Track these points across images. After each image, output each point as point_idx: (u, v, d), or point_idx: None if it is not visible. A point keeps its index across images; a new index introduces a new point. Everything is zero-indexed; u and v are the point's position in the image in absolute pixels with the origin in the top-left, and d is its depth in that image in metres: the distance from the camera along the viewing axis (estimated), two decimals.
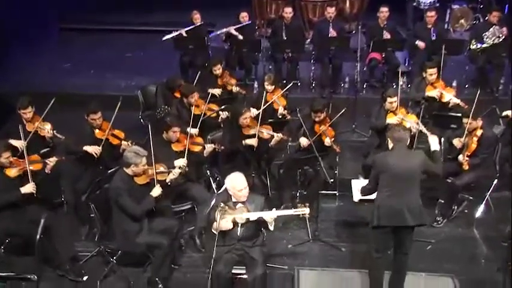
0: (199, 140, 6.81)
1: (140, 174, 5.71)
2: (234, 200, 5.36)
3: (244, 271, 5.40)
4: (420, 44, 8.98)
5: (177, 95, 7.70)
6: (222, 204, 5.18)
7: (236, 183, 5.32)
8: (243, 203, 5.38)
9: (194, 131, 6.95)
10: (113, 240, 5.80)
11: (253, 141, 6.74)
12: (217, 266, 5.19)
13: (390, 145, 5.36)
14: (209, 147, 6.66)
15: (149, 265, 5.92)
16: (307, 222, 6.61)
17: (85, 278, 5.94)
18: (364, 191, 5.58)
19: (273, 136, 6.84)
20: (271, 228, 5.35)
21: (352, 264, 6.10)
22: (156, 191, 5.74)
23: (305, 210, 5.23)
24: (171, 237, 5.79)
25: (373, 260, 5.42)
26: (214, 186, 6.88)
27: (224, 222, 5.20)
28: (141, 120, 7.94)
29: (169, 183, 6.04)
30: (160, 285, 5.77)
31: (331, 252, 6.39)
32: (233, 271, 5.38)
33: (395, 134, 5.32)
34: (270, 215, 5.30)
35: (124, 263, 5.95)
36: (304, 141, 6.81)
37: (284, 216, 5.58)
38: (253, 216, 5.28)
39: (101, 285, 5.87)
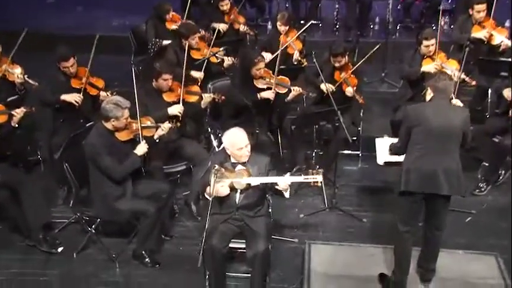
0: (196, 88, 6.52)
1: (122, 129, 5.44)
2: (233, 160, 5.08)
3: (243, 245, 5.15)
4: None
5: (169, 25, 7.49)
6: (217, 166, 4.87)
7: (235, 140, 5.02)
8: (243, 164, 5.08)
9: (198, 74, 6.82)
10: (91, 206, 5.59)
11: (270, 94, 6.42)
12: (211, 238, 4.94)
13: (429, 96, 5.06)
14: (207, 97, 6.37)
15: (135, 236, 5.75)
16: (323, 187, 6.32)
17: (60, 249, 5.76)
18: (393, 148, 5.29)
19: (290, 90, 6.54)
20: (287, 195, 5.10)
21: (375, 239, 5.88)
22: (141, 149, 5.47)
23: (317, 178, 4.90)
24: (159, 203, 5.59)
25: (399, 233, 5.09)
26: (215, 143, 6.70)
27: (219, 187, 4.92)
28: (134, 67, 7.68)
29: (157, 140, 5.76)
30: (147, 259, 5.61)
31: (351, 223, 6.19)
32: (230, 245, 5.13)
33: (439, 83, 4.97)
34: (274, 181, 5.01)
35: (105, 232, 5.80)
36: (325, 87, 6.47)
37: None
38: (255, 181, 5.00)
39: (77, 257, 5.71)
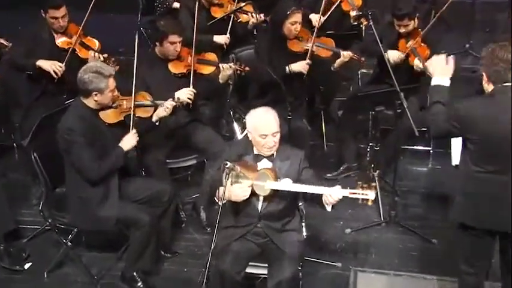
0: (211, 56, 6.19)
1: (108, 108, 5.20)
2: (256, 151, 4.83)
3: (265, 271, 4.87)
4: None
5: None
6: (229, 164, 4.48)
7: (260, 123, 4.74)
8: (269, 158, 4.79)
9: (222, 38, 6.64)
10: (65, 210, 5.37)
11: (301, 67, 6.15)
12: (222, 260, 4.67)
13: (488, 86, 4.46)
14: (226, 68, 6.02)
15: (125, 251, 5.52)
16: (379, 193, 5.98)
17: (27, 265, 5.56)
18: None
19: (336, 55, 6.22)
20: (329, 209, 4.78)
21: (447, 267, 5.39)
22: (129, 141, 5.23)
23: (368, 195, 4.53)
24: (157, 209, 5.40)
25: (461, 275, 4.76)
26: (238, 131, 6.67)
27: (237, 189, 4.66)
28: (141, 29, 7.38)
29: (156, 123, 5.51)
30: (139, 284, 5.32)
31: (414, 244, 5.85)
32: (247, 270, 4.86)
33: (499, 63, 4.33)
34: (308, 190, 4.68)
35: (86, 245, 5.67)
36: (394, 54, 6.19)
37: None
38: (282, 186, 4.70)
39: (49, 278, 5.46)
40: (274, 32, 6.34)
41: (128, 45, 6.77)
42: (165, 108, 5.50)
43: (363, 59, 6.42)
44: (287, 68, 6.19)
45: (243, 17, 6.93)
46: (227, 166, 4.47)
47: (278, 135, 4.79)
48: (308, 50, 6.21)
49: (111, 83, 5.11)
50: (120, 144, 5.20)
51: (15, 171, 6.41)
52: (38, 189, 6.08)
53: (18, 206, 5.97)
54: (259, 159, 4.81)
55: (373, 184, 4.69)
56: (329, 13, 6.72)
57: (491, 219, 4.48)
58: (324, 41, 6.37)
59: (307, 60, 6.19)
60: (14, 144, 6.62)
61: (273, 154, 4.83)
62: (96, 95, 5.06)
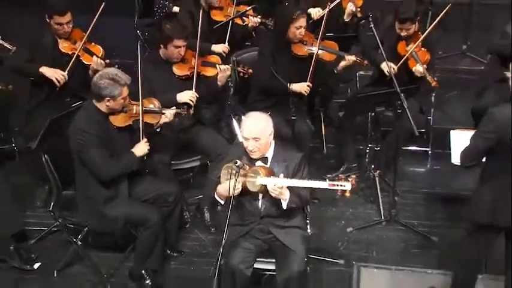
0: (215, 59, 6.47)
1: (118, 112, 5.50)
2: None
3: (273, 266, 5.20)
4: None
5: None
6: (239, 162, 4.84)
7: (244, 126, 5.10)
8: (264, 161, 5.10)
9: (220, 47, 6.87)
10: (76, 210, 5.68)
11: (302, 88, 6.35)
12: (231, 256, 4.99)
13: None
14: (225, 69, 6.28)
15: (133, 249, 5.79)
16: (379, 193, 6.40)
17: (36, 265, 5.82)
18: (467, 157, 4.96)
19: (341, 57, 6.46)
20: (284, 206, 5.06)
21: (447, 263, 5.71)
22: (141, 149, 5.54)
23: (345, 186, 4.87)
24: (164, 209, 5.68)
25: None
26: (239, 133, 6.52)
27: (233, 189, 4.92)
28: (137, 32, 7.81)
29: (157, 130, 5.83)
30: (147, 282, 5.65)
31: (415, 242, 6.16)
32: (255, 265, 5.16)
33: None
34: (292, 184, 4.97)
35: (95, 244, 5.92)
36: (387, 67, 6.38)
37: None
38: (271, 182, 4.93)
39: (59, 277, 5.75)
40: (278, 35, 6.49)
41: (122, 48, 7.17)
42: (166, 115, 5.73)
43: (365, 62, 6.57)
44: (288, 85, 6.34)
45: (239, 20, 7.09)
46: (237, 164, 4.77)
47: (261, 141, 5.01)
48: (312, 53, 6.37)
49: (125, 91, 5.38)
50: (133, 150, 5.48)
51: (17, 174, 6.55)
52: (42, 192, 6.43)
53: (22, 209, 6.14)
54: (253, 162, 5.08)
55: (352, 176, 4.99)
56: (329, 8, 6.78)
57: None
58: (328, 44, 6.54)
59: (308, 83, 6.31)
60: (15, 148, 6.78)
61: (266, 157, 5.09)
62: (108, 100, 5.33)
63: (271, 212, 5.11)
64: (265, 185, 4.96)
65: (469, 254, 5.13)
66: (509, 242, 5.01)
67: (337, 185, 4.90)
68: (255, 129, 5.00)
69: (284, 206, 5.03)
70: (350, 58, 6.41)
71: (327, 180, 5.05)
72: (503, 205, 4.75)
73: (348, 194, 4.93)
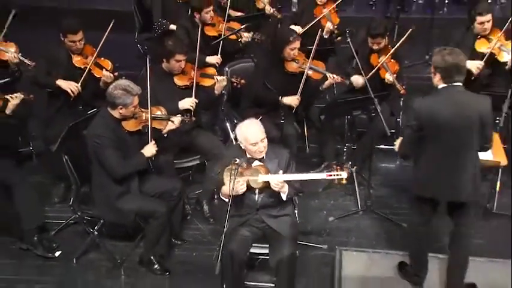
0: (212, 70, 6.75)
1: (129, 118, 5.77)
2: (248, 156, 5.39)
3: (266, 250, 5.44)
4: None
5: None
6: (238, 160, 5.20)
7: (248, 134, 5.30)
8: (260, 160, 5.37)
9: (214, 59, 7.04)
10: (93, 204, 5.93)
11: (293, 101, 6.62)
12: (231, 243, 5.19)
13: (438, 81, 4.91)
14: (221, 80, 6.55)
15: (142, 239, 6.07)
16: (356, 187, 6.67)
17: (57, 253, 6.10)
18: (401, 148, 5.32)
19: (326, 77, 6.72)
20: (284, 197, 5.34)
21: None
22: (149, 150, 5.81)
23: (341, 175, 5.17)
24: (170, 202, 5.92)
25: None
26: (232, 135, 6.93)
27: (236, 185, 5.20)
28: (138, 46, 8.01)
29: (165, 135, 6.07)
30: (156, 266, 5.93)
31: (388, 228, 6.42)
32: (252, 250, 5.42)
33: (446, 60, 4.78)
34: (294, 178, 5.29)
35: (109, 235, 6.13)
36: (358, 80, 6.75)
37: (322, 179, 5.59)
38: (273, 178, 5.24)
39: (77, 263, 6.03)
40: (274, 53, 6.74)
41: (123, 61, 7.30)
42: (174, 121, 6.00)
43: (347, 82, 6.81)
44: (280, 98, 6.58)
45: (236, 36, 7.40)
46: (236, 162, 5.08)
47: (265, 140, 5.27)
48: (303, 71, 6.58)
49: (136, 100, 5.63)
50: (142, 151, 5.72)
51: (35, 174, 6.76)
52: (58, 189, 6.69)
53: (41, 205, 6.24)
54: (252, 161, 5.31)
55: (347, 166, 5.33)
56: (308, 26, 7.21)
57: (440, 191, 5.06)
58: (316, 63, 6.78)
59: (298, 96, 6.53)
60: (32, 150, 6.99)
61: (262, 157, 5.31)
62: (121, 108, 5.59)
63: (267, 204, 5.35)
64: (266, 181, 5.19)
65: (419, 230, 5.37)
66: (451, 218, 5.30)
67: (334, 175, 5.17)
68: (259, 131, 5.26)
69: (284, 198, 5.26)
70: (335, 78, 6.66)
71: (325, 171, 5.37)
72: (432, 179, 5.07)
73: (344, 182, 5.20)
